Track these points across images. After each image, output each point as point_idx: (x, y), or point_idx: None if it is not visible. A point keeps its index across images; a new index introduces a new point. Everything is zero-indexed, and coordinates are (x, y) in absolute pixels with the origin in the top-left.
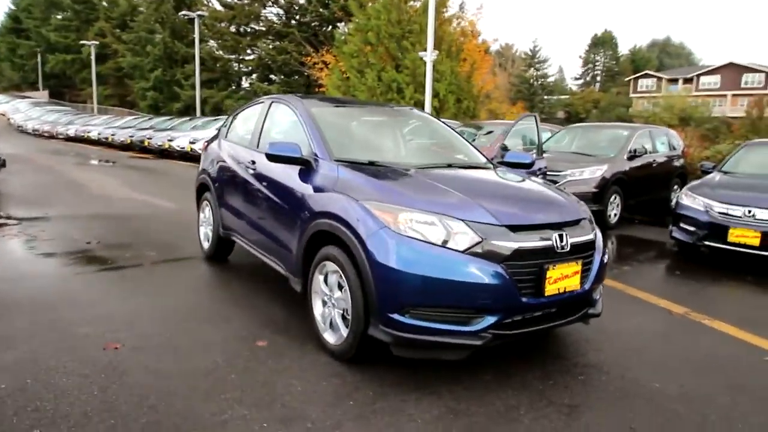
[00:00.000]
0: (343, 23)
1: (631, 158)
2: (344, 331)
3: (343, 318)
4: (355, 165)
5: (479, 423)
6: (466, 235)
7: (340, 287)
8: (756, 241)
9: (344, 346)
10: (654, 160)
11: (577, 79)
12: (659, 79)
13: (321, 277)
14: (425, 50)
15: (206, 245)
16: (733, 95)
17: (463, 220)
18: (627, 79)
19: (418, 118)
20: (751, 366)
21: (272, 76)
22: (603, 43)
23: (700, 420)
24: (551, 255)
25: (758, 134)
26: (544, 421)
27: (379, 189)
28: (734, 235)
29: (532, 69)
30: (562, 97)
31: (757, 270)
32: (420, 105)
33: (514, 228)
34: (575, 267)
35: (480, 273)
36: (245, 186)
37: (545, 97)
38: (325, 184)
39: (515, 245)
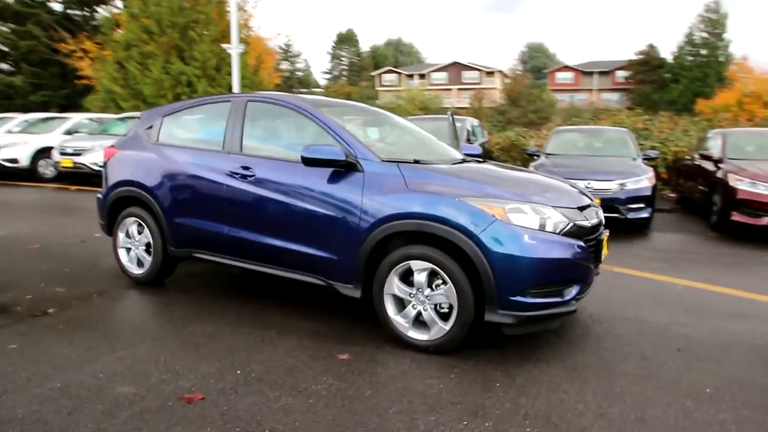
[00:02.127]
0: (103, 7)
1: None
2: (444, 324)
3: (437, 312)
4: (411, 164)
5: None
6: (557, 219)
7: (431, 284)
8: None
9: (446, 338)
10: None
11: (326, 73)
12: (399, 74)
13: (396, 279)
14: (215, 41)
15: (137, 270)
16: (458, 89)
17: (552, 206)
18: (372, 73)
19: (383, 116)
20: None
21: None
22: (347, 40)
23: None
24: (600, 228)
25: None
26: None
27: (466, 185)
28: None
29: (287, 63)
30: (316, 90)
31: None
32: None
33: (581, 208)
34: (607, 235)
35: (573, 250)
36: (231, 195)
37: (302, 90)
38: (385, 185)
39: (588, 222)
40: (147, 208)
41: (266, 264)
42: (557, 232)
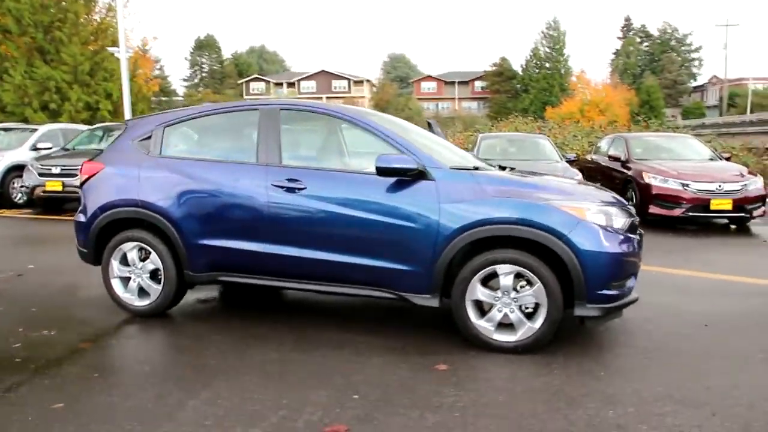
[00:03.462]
0: None
1: None
2: (533, 324)
3: (522, 312)
4: (476, 171)
5: None
6: (622, 217)
7: (516, 286)
8: None
9: (535, 337)
10: None
11: (185, 80)
12: (267, 82)
13: (479, 284)
14: (84, 43)
15: (140, 302)
16: (327, 98)
17: (614, 206)
18: (239, 81)
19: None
20: None
21: None
22: (207, 46)
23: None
24: None
25: None
26: None
27: (540, 190)
28: None
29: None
30: (176, 99)
31: None
32: (92, 109)
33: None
34: None
35: (634, 244)
36: (276, 210)
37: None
38: (463, 192)
39: (636, 219)
40: (155, 231)
41: (320, 282)
42: (623, 228)
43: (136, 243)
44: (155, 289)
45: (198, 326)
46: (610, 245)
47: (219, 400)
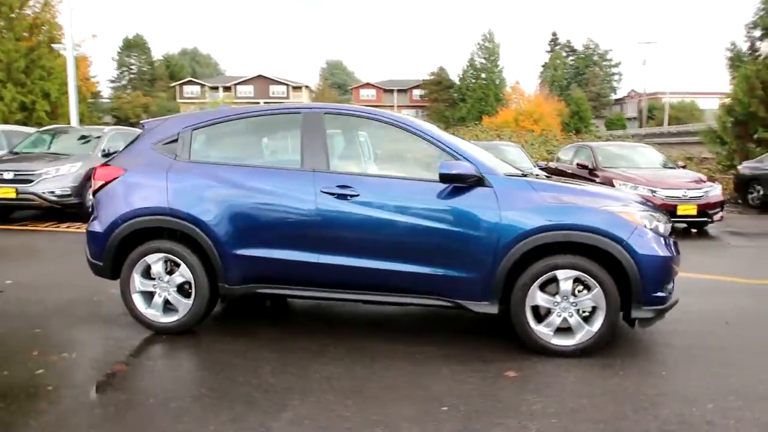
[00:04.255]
0: None
1: (105, 156)
2: (591, 327)
3: (580, 316)
4: (529, 177)
5: None
6: (663, 221)
7: (574, 291)
8: None
9: (594, 340)
10: None
11: (113, 81)
12: (202, 86)
13: (538, 289)
14: (18, 39)
15: (166, 318)
16: (265, 102)
17: (657, 211)
18: (172, 84)
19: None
20: None
21: None
22: (135, 46)
23: None
24: None
25: None
26: None
27: (599, 195)
28: None
29: None
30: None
31: None
32: (27, 109)
33: None
34: None
35: (675, 247)
36: (326, 218)
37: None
38: (522, 199)
39: (671, 224)
40: (187, 241)
41: (370, 292)
42: (666, 233)
43: (162, 254)
44: (184, 303)
45: (235, 342)
46: (661, 249)
47: (305, 421)
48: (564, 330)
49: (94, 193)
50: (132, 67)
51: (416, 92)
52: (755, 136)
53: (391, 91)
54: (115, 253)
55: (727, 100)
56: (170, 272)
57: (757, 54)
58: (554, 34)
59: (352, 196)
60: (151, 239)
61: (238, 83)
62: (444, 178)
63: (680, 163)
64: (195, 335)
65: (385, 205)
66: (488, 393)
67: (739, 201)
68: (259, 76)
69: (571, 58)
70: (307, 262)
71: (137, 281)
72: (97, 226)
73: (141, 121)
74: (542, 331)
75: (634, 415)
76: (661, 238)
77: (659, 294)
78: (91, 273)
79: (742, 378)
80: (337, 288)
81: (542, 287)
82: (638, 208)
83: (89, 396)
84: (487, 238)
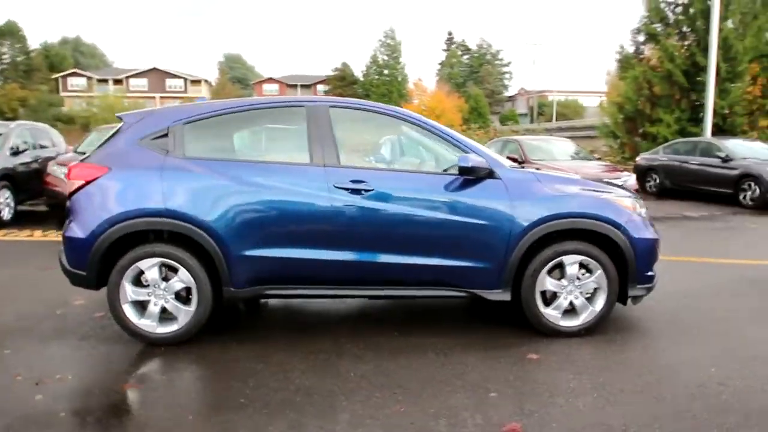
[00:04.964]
0: None
1: (14, 154)
2: (594, 307)
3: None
4: (527, 169)
5: None
6: (644, 207)
7: (579, 274)
8: None
9: (596, 319)
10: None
11: None
12: (89, 78)
13: (546, 275)
14: None
15: (163, 328)
16: (161, 97)
17: (638, 198)
18: (54, 76)
19: None
20: None
21: None
22: (8, 34)
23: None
24: None
25: None
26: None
27: (594, 185)
28: None
29: None
30: None
31: None
32: None
33: None
34: None
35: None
36: (340, 214)
37: None
38: (530, 190)
39: None
40: (186, 243)
41: (386, 286)
42: (647, 217)
43: (158, 259)
44: (185, 311)
45: (243, 348)
46: (650, 232)
47: (367, 420)
48: (569, 312)
49: (71, 194)
50: (4, 56)
51: (320, 87)
52: (641, 130)
53: (295, 86)
54: (100, 261)
55: (619, 99)
56: (166, 278)
57: (641, 57)
58: (450, 34)
59: (366, 190)
60: (139, 243)
61: (130, 76)
62: (462, 170)
63: (596, 155)
64: (194, 345)
65: (401, 198)
66: (524, 376)
67: (638, 189)
68: (154, 69)
69: (466, 56)
70: (321, 260)
71: (128, 290)
72: (78, 231)
73: (118, 114)
74: (551, 314)
75: (658, 383)
76: (649, 222)
77: (650, 273)
78: (44, 283)
79: (727, 344)
80: (352, 285)
81: (549, 272)
82: (626, 194)
83: (119, 418)
84: (501, 228)
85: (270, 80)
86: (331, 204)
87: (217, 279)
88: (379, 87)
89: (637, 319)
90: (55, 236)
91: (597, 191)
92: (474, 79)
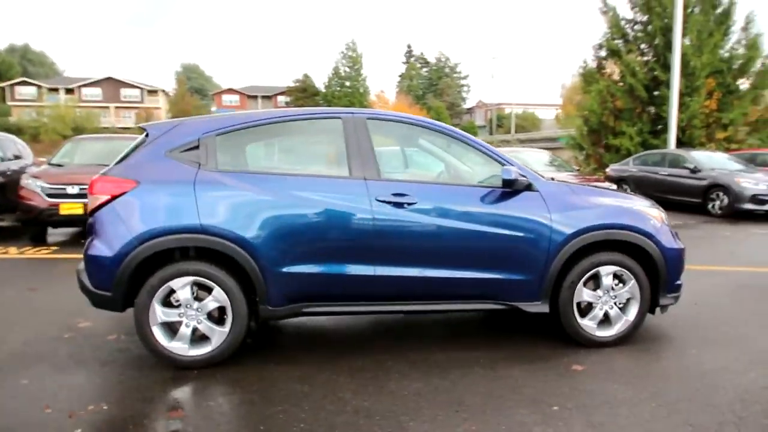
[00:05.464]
0: None
1: None
2: (627, 316)
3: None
4: (560, 181)
5: None
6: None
7: (613, 285)
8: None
9: (629, 329)
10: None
11: None
12: (39, 87)
13: (582, 286)
14: None
15: (195, 350)
16: (116, 107)
17: (661, 208)
18: (2, 85)
19: None
20: None
21: None
22: None
23: None
24: None
25: None
26: None
27: (625, 197)
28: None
29: None
30: None
31: None
32: None
33: None
34: None
35: None
36: (382, 228)
37: None
38: (566, 202)
39: None
40: (220, 260)
41: (427, 301)
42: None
43: (191, 278)
44: (219, 332)
45: (280, 369)
46: (678, 243)
47: None
48: (602, 322)
49: (95, 210)
50: None
51: (281, 98)
52: (604, 142)
53: (255, 97)
54: (129, 280)
55: (585, 112)
56: (198, 298)
57: (603, 71)
58: (409, 47)
59: (409, 204)
60: (164, 262)
61: (83, 85)
62: (506, 183)
63: (575, 166)
64: (227, 367)
65: (444, 211)
66: (577, 388)
67: None
68: (109, 78)
69: (425, 69)
70: (363, 276)
71: (158, 311)
72: (104, 249)
73: (142, 125)
74: (588, 324)
75: (707, 391)
76: (674, 232)
77: (678, 282)
78: (39, 305)
79: (753, 348)
80: (393, 300)
81: (584, 283)
82: (653, 205)
83: None
84: (541, 240)
85: (230, 91)
86: (373, 218)
87: (252, 297)
88: (341, 99)
89: (658, 327)
90: (32, 253)
91: (628, 202)
92: (433, 91)
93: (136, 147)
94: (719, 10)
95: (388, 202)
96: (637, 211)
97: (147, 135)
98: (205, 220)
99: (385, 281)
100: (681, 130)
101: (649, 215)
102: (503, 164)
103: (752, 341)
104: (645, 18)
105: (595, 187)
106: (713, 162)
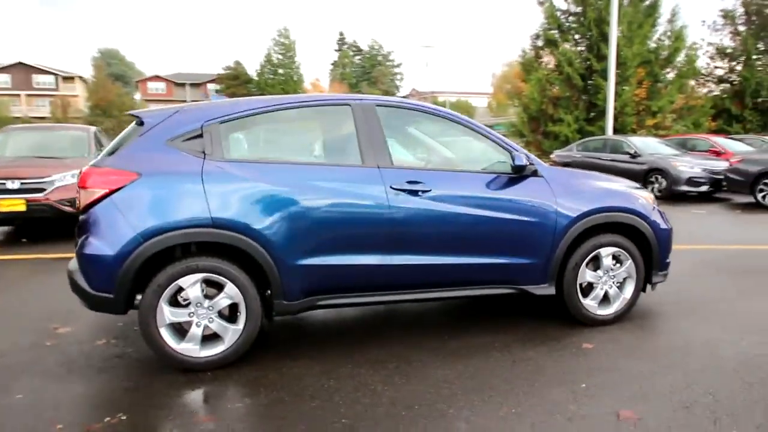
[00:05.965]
0: None
1: None
2: (625, 295)
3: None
4: (564, 168)
5: None
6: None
7: (612, 265)
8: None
9: (626, 307)
10: None
11: None
12: None
13: (585, 267)
14: None
15: (207, 351)
16: (27, 95)
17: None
18: None
19: None
20: None
21: None
22: None
23: None
24: None
25: None
26: None
27: (619, 181)
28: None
29: None
30: None
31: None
32: None
33: None
34: None
35: None
36: (397, 216)
37: None
38: (568, 186)
39: None
40: (231, 255)
41: (443, 288)
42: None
43: (201, 274)
44: (233, 330)
45: (302, 364)
46: (666, 223)
47: (491, 426)
48: (602, 301)
49: (91, 205)
50: None
51: (211, 86)
52: (542, 129)
53: (183, 84)
54: (133, 280)
55: (525, 99)
56: (208, 296)
57: (541, 61)
58: (341, 34)
59: (423, 191)
60: (171, 259)
61: None
62: (516, 169)
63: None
64: (241, 367)
65: (458, 198)
66: (596, 366)
67: None
68: (19, 64)
69: (358, 57)
70: (378, 265)
71: (166, 312)
72: (104, 248)
73: (133, 112)
74: (590, 304)
75: (713, 361)
76: (662, 213)
77: (668, 261)
78: (4, 311)
79: (735, 319)
80: (407, 289)
81: (587, 265)
82: (642, 187)
83: None
84: (548, 224)
85: (156, 78)
86: (389, 206)
87: (264, 293)
88: (274, 87)
89: (645, 304)
90: None
91: (622, 185)
92: (367, 79)
93: (128, 136)
94: (647, 2)
95: (404, 190)
96: (631, 193)
97: (141, 123)
98: (215, 213)
99: (400, 270)
100: (614, 117)
101: (642, 197)
102: (511, 151)
103: (732, 313)
104: (579, 9)
105: None
106: (650, 147)
